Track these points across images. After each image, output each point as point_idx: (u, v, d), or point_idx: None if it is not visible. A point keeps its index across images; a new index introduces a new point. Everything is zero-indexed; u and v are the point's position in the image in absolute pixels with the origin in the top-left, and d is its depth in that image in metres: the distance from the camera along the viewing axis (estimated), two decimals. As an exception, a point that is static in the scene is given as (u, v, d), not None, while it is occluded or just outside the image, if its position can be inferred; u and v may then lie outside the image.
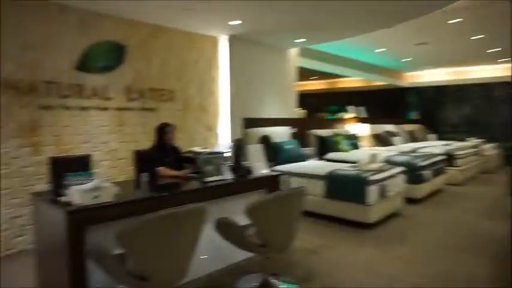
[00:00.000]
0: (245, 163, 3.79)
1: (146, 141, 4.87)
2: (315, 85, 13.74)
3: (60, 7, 4.07)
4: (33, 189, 3.87)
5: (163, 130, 3.79)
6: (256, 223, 2.67)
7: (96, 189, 2.43)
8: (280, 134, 6.42)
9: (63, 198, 2.49)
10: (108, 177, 4.44)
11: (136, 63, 4.78)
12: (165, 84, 5.10)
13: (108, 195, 2.49)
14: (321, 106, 11.83)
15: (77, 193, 2.38)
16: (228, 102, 5.90)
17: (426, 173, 6.01)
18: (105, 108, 4.49)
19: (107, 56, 4.49)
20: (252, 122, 6.15)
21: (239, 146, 3.62)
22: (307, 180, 5.07)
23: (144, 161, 3.76)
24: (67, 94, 4.16)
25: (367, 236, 4.30)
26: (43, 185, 3.61)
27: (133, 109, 4.77)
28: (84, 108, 4.31)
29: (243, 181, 3.46)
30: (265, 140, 5.65)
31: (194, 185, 3.26)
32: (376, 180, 4.57)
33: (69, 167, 3.46)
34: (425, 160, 6.24)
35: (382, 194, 4.60)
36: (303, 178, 5.13)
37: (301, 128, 7.04)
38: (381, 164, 5.20)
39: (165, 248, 2.10)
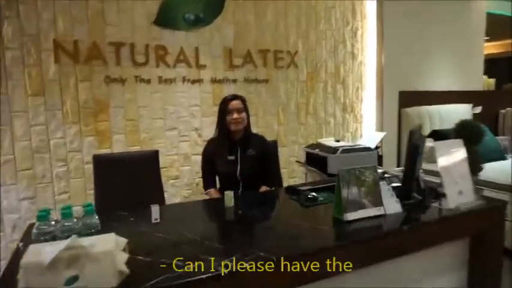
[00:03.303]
0: (425, 178, 1.91)
1: (253, 128, 3.40)
2: (500, 47, 10.20)
3: None
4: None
5: (224, 109, 2.21)
6: None
7: (72, 260, 0.98)
8: (456, 115, 4.12)
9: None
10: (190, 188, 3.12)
11: (241, 13, 3.27)
12: (282, 43, 3.48)
13: (103, 273, 1.01)
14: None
15: (27, 271, 0.96)
16: (376, 69, 3.94)
17: None
18: (196, 81, 3.14)
19: (198, 4, 3.09)
20: (411, 98, 4.07)
21: (417, 144, 1.74)
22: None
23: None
24: (143, 61, 2.93)
25: None
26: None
27: (236, 81, 3.30)
28: (167, 81, 3.03)
29: (430, 222, 1.60)
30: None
31: (316, 230, 1.55)
32: None
33: (124, 171, 2.21)
34: None
35: None
36: (505, 193, 2.90)
37: (487, 106, 4.56)
38: None
39: None
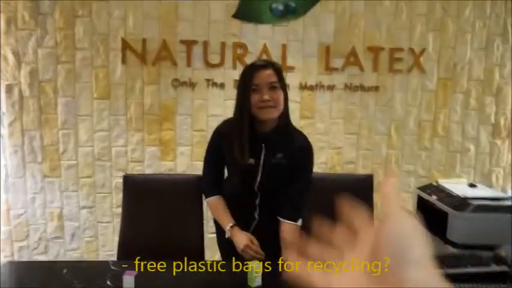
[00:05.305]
0: None
1: (352, 150, 2.63)
2: None
3: None
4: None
5: (247, 83, 1.34)
6: None
7: None
8: None
9: None
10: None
11: (346, 1, 2.51)
12: (402, 38, 2.56)
13: None
14: None
15: None
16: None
17: None
18: (280, 87, 2.53)
19: (290, -9, 2.47)
20: None
21: None
22: None
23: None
24: (218, 62, 2.48)
25: None
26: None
27: (334, 87, 2.56)
28: (244, 86, 2.51)
29: None
30: None
31: None
32: None
33: (157, 199, 1.77)
34: None
35: None
36: None
37: None
38: None
39: None
